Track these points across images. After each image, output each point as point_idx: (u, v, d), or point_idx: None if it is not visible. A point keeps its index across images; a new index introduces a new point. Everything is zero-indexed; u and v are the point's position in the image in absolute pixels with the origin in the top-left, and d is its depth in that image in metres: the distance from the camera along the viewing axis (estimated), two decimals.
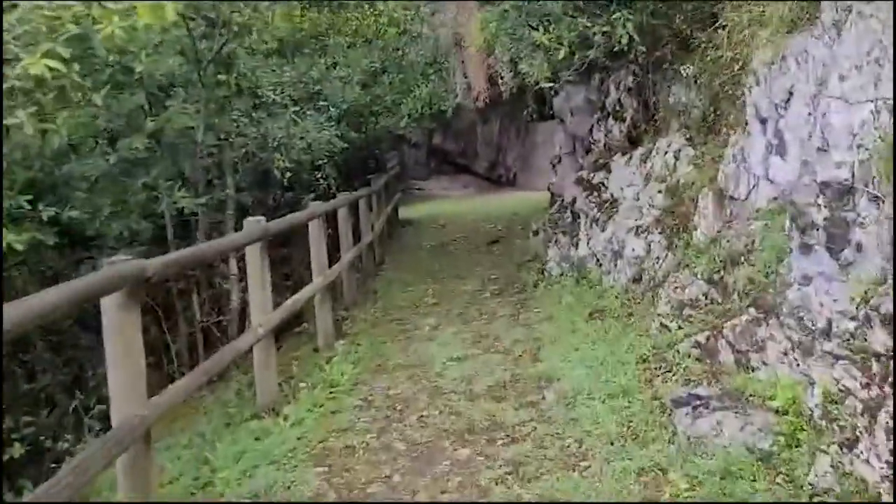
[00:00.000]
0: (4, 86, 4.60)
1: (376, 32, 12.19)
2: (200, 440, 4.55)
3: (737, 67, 5.71)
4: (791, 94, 4.63)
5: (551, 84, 7.21)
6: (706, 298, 5.17)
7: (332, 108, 9.69)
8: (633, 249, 6.71)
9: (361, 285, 9.83)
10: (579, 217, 8.75)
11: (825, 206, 3.80)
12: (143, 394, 3.24)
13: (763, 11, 5.11)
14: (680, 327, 5.15)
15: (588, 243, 7.96)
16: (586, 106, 9.68)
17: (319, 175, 9.40)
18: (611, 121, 8.30)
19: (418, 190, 24.34)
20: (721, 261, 5.18)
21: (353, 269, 8.98)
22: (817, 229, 3.84)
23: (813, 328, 3.80)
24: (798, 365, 3.90)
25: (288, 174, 7.46)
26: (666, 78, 7.38)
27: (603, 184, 7.91)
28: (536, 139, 23.86)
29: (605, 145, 8.41)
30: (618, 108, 8.12)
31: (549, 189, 13.70)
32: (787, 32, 4.74)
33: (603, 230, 7.66)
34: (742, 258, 4.86)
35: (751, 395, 4.03)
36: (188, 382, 3.89)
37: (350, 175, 13.79)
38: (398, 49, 12.00)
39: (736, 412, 3.87)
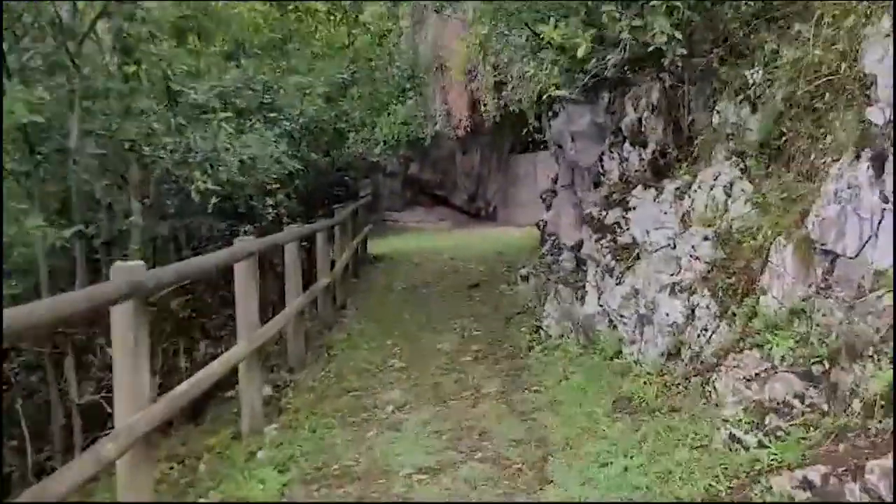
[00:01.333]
0: None
1: (347, 40, 10.57)
2: None
3: (828, 71, 4.13)
4: None
5: (559, 94, 5.53)
6: (803, 403, 3.49)
7: (286, 122, 7.99)
8: (668, 314, 5.03)
9: (314, 338, 8.05)
10: (585, 265, 7.08)
11: None
12: None
13: None
14: (763, 444, 3.46)
15: (599, 299, 6.29)
16: (592, 130, 8.08)
17: (268, 202, 7.65)
18: (627, 147, 6.69)
19: (392, 222, 22.67)
20: (823, 344, 3.52)
21: (302, 321, 7.19)
22: None
23: None
24: None
25: (214, 199, 5.70)
26: (706, 92, 5.80)
27: (619, 224, 6.26)
28: (518, 171, 22.40)
29: (620, 177, 6.78)
30: (638, 130, 6.51)
31: (538, 227, 12.07)
32: None
33: (619, 283, 6.00)
34: (868, 347, 3.19)
35: None
36: None
37: (313, 203, 12.10)
38: (371, 60, 10.35)
39: None
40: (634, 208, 6.08)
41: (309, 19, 11.82)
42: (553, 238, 10.21)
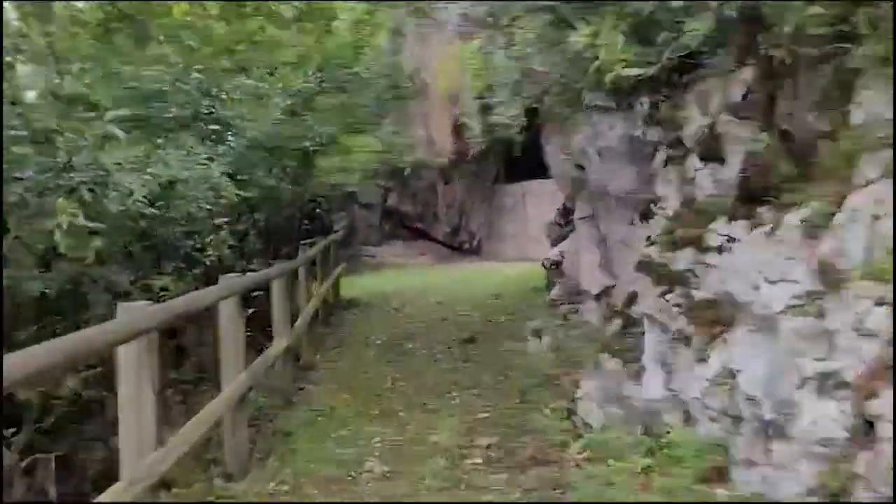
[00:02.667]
0: None
1: (315, 46, 8.71)
2: None
3: None
4: None
5: (638, 73, 3.60)
6: None
7: (231, 138, 6.08)
8: (816, 421, 3.13)
9: (266, 420, 6.05)
10: (637, 324, 5.21)
11: None
12: None
13: None
14: None
15: (667, 379, 4.40)
16: (626, 145, 6.29)
17: (201, 241, 5.69)
18: (695, 163, 4.84)
19: (368, 257, 20.71)
20: None
21: (244, 408, 5.18)
22: None
23: None
24: None
25: (97, 241, 3.74)
26: (825, 81, 3.98)
27: (693, 273, 4.39)
28: (504, 202, 20.65)
29: (685, 204, 4.93)
30: (712, 140, 4.68)
31: (543, 266, 10.22)
32: None
33: (703, 358, 4.12)
34: None
35: None
36: None
37: (276, 239, 10.16)
38: (343, 67, 8.45)
39: None
40: (721, 250, 4.21)
41: (271, 25, 9.99)
42: (568, 282, 8.34)
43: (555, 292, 8.66)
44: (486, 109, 16.40)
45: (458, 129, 18.60)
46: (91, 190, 3.48)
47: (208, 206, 5.20)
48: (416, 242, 21.99)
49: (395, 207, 21.74)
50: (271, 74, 7.56)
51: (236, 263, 8.17)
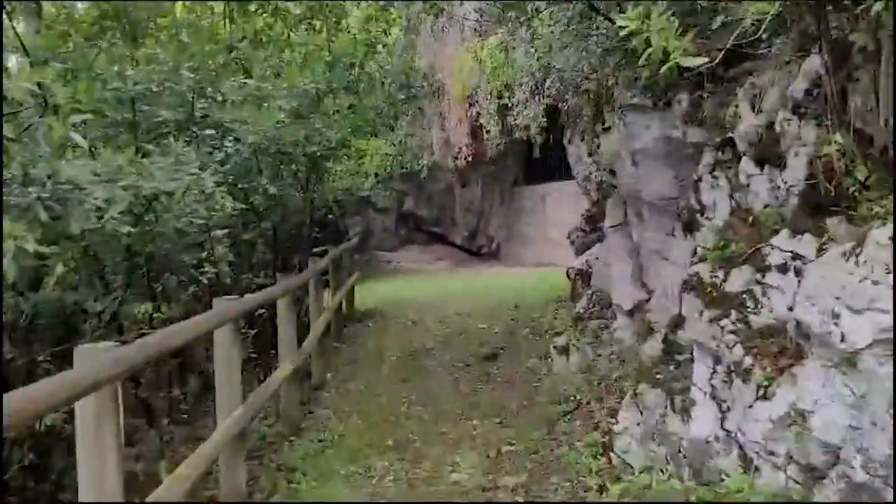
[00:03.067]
0: None
1: (325, 45, 8.18)
2: None
3: None
4: None
5: (696, 64, 3.01)
6: None
7: (228, 144, 5.56)
8: None
9: (269, 452, 5.55)
10: (680, 349, 4.62)
11: None
12: None
13: None
14: None
15: (721, 416, 3.82)
16: (662, 147, 5.70)
17: (197, 258, 5.17)
18: (749, 167, 4.25)
19: (384, 263, 20.22)
20: None
21: (241, 444, 4.63)
22: None
23: None
24: None
25: (60, 267, 3.21)
26: None
27: (752, 295, 3.80)
28: (524, 205, 20.02)
29: (735, 213, 4.34)
30: (770, 140, 4.09)
31: (567, 275, 9.62)
32: None
33: (765, 396, 3.53)
34: None
35: None
36: None
37: (285, 249, 9.67)
38: (354, 65, 7.88)
39: None
40: (786, 269, 3.62)
41: (280, 23, 9.52)
42: (596, 294, 7.76)
43: (581, 305, 8.06)
44: (505, 110, 15.84)
45: (476, 131, 18.05)
46: (49, 208, 2.96)
47: (201, 220, 4.68)
48: (433, 247, 21.46)
49: (412, 211, 21.24)
50: (278, 76, 7.04)
51: (240, 277, 7.69)
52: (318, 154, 7.16)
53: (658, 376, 4.60)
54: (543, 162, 18.43)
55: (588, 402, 5.62)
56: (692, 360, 4.20)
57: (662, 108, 5.62)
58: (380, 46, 9.02)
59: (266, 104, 6.08)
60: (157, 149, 4.50)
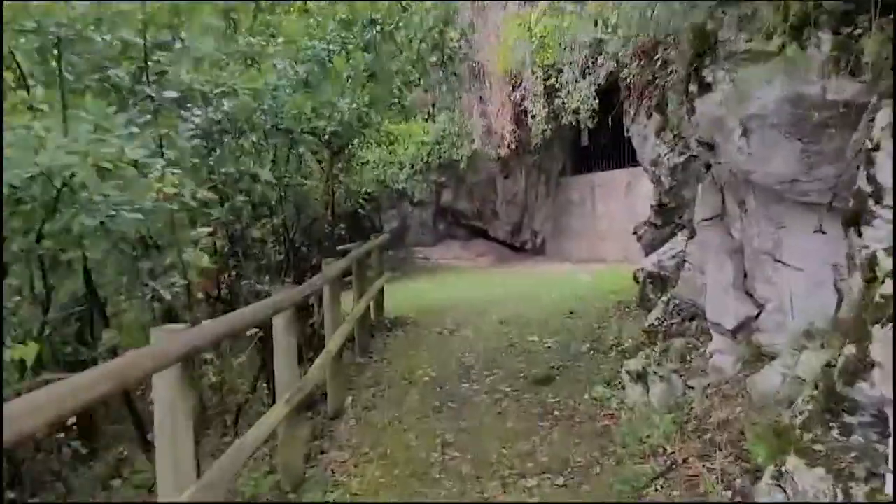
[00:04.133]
0: None
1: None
2: None
3: None
4: None
5: None
6: None
7: (197, 113, 4.18)
8: None
9: None
10: (866, 411, 3.07)
11: None
12: None
13: None
14: None
15: None
16: (789, 112, 4.15)
17: (162, 265, 3.79)
18: None
19: (422, 259, 18.85)
20: None
21: None
22: None
23: None
24: None
25: None
26: None
27: None
28: (571, 196, 18.43)
29: None
30: None
31: (636, 279, 8.06)
32: None
33: None
34: None
35: None
36: None
37: (303, 247, 8.34)
38: (374, 22, 6.35)
39: None
40: None
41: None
42: (674, 303, 6.21)
43: (655, 315, 6.52)
44: (552, 91, 14.26)
45: (520, 116, 16.53)
46: None
47: (151, 212, 3.31)
48: (474, 242, 20.00)
49: (451, 205, 19.79)
50: (273, 37, 5.64)
51: (240, 285, 6.36)
52: (329, 132, 5.73)
53: (812, 442, 3.06)
54: (591, 150, 16.90)
55: (685, 460, 4.11)
56: (873, 426, 2.67)
57: (788, 59, 4.06)
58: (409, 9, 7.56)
59: (257, 65, 4.69)
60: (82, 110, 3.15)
